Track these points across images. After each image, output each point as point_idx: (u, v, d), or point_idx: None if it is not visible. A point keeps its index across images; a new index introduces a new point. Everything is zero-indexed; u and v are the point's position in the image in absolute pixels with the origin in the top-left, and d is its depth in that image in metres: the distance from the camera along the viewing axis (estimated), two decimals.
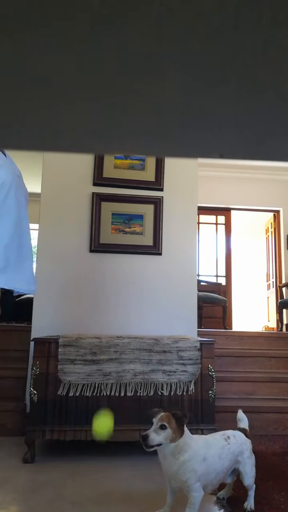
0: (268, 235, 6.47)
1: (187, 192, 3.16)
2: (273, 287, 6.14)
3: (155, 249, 3.04)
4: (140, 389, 2.21)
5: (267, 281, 6.57)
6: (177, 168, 3.17)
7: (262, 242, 7.21)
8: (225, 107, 0.27)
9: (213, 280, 6.04)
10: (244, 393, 3.04)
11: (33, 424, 2.13)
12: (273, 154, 0.33)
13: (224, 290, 5.78)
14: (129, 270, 3.00)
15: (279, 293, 5.78)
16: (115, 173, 3.06)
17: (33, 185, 4.09)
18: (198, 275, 5.36)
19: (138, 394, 2.21)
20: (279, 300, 5.21)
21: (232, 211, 6.17)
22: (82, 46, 0.23)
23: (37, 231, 2.97)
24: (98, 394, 2.18)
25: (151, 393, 2.22)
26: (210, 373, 2.29)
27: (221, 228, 6.18)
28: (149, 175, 3.10)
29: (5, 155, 1.61)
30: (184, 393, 2.25)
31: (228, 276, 6.10)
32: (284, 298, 5.52)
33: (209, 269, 6.19)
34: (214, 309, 5.34)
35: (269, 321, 6.49)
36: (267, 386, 3.10)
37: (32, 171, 4.47)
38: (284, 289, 5.70)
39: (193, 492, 1.41)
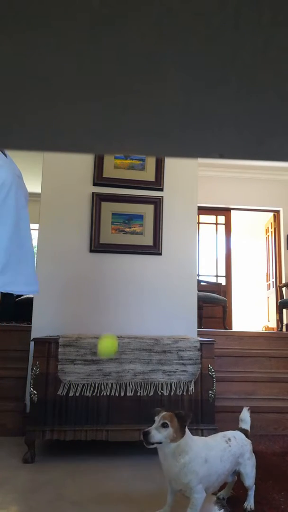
0: (268, 235, 6.47)
1: (187, 192, 3.16)
2: (273, 287, 6.14)
3: (155, 249, 3.04)
4: (140, 389, 2.21)
5: (267, 281, 6.57)
6: (177, 168, 3.17)
7: (262, 242, 7.21)
8: (225, 107, 0.27)
9: (213, 280, 6.04)
10: (244, 393, 3.04)
11: (33, 424, 2.13)
12: (273, 154, 0.33)
13: (224, 290, 5.78)
14: (129, 270, 3.00)
15: (279, 293, 5.78)
16: (115, 173, 3.06)
17: (33, 185, 4.09)
18: (198, 275, 5.36)
19: (138, 394, 2.21)
20: (279, 300, 5.21)
21: (232, 211, 6.17)
22: (82, 46, 0.23)
23: (37, 231, 2.97)
24: (98, 394, 2.18)
25: (151, 393, 2.22)
26: (210, 373, 2.29)
27: (221, 228, 6.18)
28: (149, 175, 3.10)
29: (5, 155, 1.61)
30: (184, 393, 2.25)
31: (228, 276, 6.10)
32: (284, 298, 5.52)
33: (209, 269, 6.19)
34: (214, 309, 5.34)
35: (269, 321, 6.49)
36: (267, 386, 3.10)
37: (32, 171, 4.48)
38: (284, 289, 5.70)
39: (195, 494, 1.41)
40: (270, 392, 3.08)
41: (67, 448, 2.31)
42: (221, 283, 5.77)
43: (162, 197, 3.10)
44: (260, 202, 5.97)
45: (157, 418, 1.45)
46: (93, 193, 3.03)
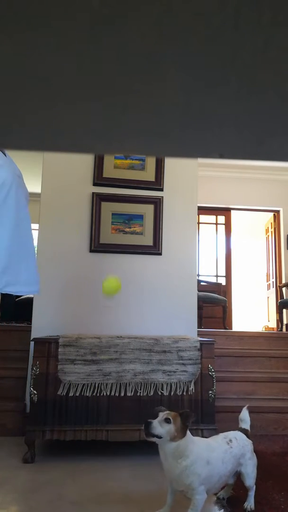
0: (268, 235, 6.47)
1: (187, 192, 3.16)
2: (273, 287, 6.14)
3: (155, 249, 3.04)
4: (140, 389, 2.21)
5: (267, 281, 6.57)
6: (177, 168, 3.17)
7: (262, 242, 7.21)
8: (225, 107, 0.27)
9: (213, 280, 6.04)
10: (244, 393, 3.04)
11: (33, 424, 2.13)
12: (273, 154, 0.33)
13: (224, 290, 5.78)
14: (129, 270, 3.00)
15: (279, 293, 5.78)
16: (115, 173, 3.06)
17: (33, 185, 4.09)
18: (198, 275, 5.36)
19: (138, 394, 2.21)
20: (279, 300, 5.21)
21: (232, 211, 6.17)
22: (82, 46, 0.23)
23: (37, 231, 2.97)
24: (98, 394, 2.18)
25: (151, 393, 2.22)
26: (210, 373, 2.29)
27: (221, 228, 6.18)
28: (149, 175, 3.10)
29: (5, 155, 1.61)
30: (184, 393, 2.25)
31: (228, 276, 6.10)
32: (284, 298, 5.52)
33: (209, 269, 6.19)
34: (214, 309, 5.33)
35: (269, 321, 6.49)
36: (267, 386, 3.10)
37: (32, 171, 4.47)
38: (284, 289, 5.70)
39: (196, 495, 1.41)
40: (270, 392, 3.08)
41: (67, 448, 2.31)
42: (221, 283, 5.77)
43: (162, 197, 3.10)
44: (260, 202, 5.97)
45: (161, 414, 1.46)
46: (93, 193, 3.03)
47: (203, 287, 5.24)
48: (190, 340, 2.34)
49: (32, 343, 2.34)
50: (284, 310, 5.33)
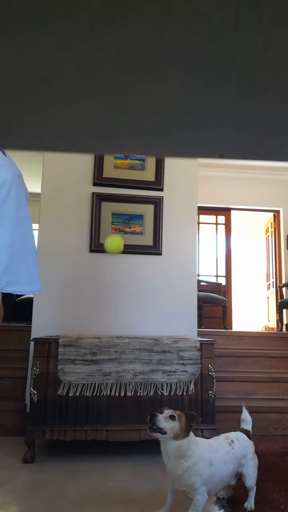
0: (268, 235, 6.47)
1: (187, 192, 3.16)
2: (273, 287, 6.14)
3: (155, 249, 3.04)
4: (140, 389, 2.21)
5: (267, 281, 6.57)
6: (177, 168, 3.17)
7: (262, 242, 7.21)
8: (225, 107, 0.27)
9: (213, 280, 6.04)
10: (244, 393, 3.04)
11: (33, 424, 2.13)
12: (273, 154, 0.33)
13: (224, 290, 5.78)
14: (129, 270, 3.00)
15: (279, 293, 5.78)
16: (115, 173, 3.06)
17: (33, 185, 4.08)
18: (198, 275, 5.35)
19: (138, 394, 2.21)
20: (279, 300, 5.21)
21: (232, 211, 6.17)
22: (82, 46, 0.23)
23: (37, 231, 2.97)
24: (98, 394, 2.18)
25: (151, 393, 2.22)
26: (210, 373, 2.29)
27: (221, 228, 6.18)
28: (149, 175, 3.10)
29: (5, 155, 1.61)
30: (184, 393, 2.25)
31: (228, 276, 6.10)
32: (284, 298, 5.52)
33: (209, 269, 6.19)
34: (214, 309, 5.33)
35: (269, 321, 6.49)
36: (267, 386, 3.10)
37: (32, 171, 4.47)
38: (284, 289, 5.70)
39: (198, 496, 1.41)
40: (270, 392, 3.08)
41: (67, 448, 2.31)
42: (221, 283, 5.77)
43: (162, 197, 3.10)
44: (260, 202, 5.97)
45: (166, 411, 1.47)
46: (93, 193, 3.03)
47: (203, 287, 5.24)
48: (190, 340, 2.34)
49: (32, 343, 2.34)
50: (284, 310, 5.33)
